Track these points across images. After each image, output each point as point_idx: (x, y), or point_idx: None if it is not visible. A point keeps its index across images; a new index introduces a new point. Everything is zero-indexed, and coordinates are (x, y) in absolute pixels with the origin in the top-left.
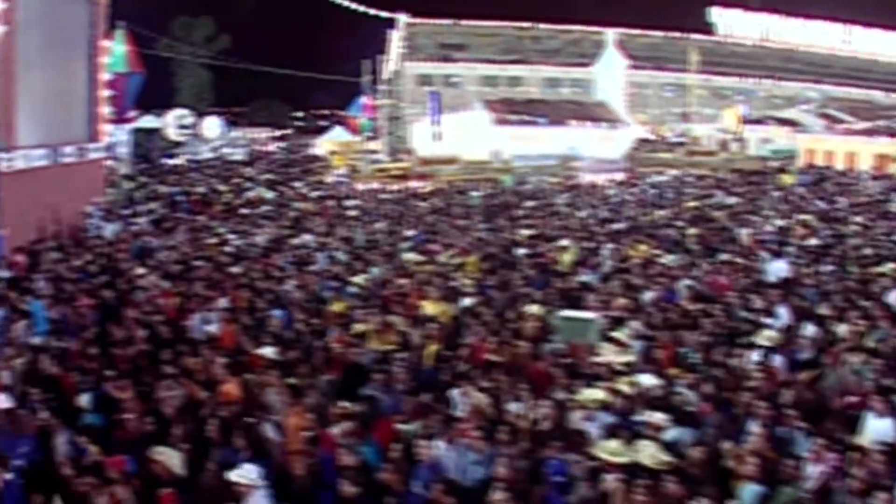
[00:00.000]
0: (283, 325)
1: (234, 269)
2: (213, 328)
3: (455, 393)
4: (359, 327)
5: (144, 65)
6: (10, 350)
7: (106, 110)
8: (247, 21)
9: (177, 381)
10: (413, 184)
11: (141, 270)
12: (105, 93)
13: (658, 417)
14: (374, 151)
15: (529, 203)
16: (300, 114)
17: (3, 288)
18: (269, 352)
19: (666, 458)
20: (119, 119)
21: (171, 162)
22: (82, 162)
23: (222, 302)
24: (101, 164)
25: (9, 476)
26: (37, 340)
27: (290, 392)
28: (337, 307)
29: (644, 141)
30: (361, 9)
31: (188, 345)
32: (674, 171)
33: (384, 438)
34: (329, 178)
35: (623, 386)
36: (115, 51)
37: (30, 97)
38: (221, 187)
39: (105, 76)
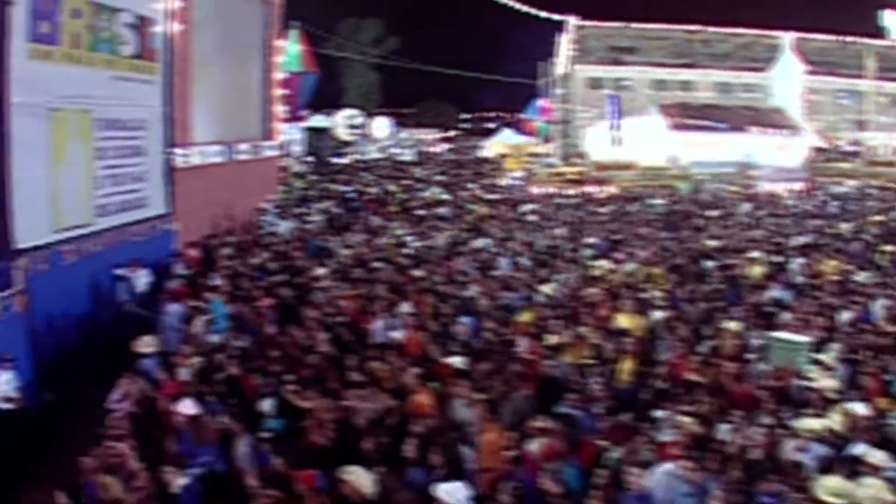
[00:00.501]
0: (471, 333)
1: (416, 273)
2: (397, 334)
3: (659, 414)
4: (551, 339)
5: (318, 65)
6: (187, 347)
7: (280, 109)
8: (413, 23)
9: (369, 390)
10: (589, 189)
11: (320, 270)
12: (279, 92)
13: (879, 455)
14: (545, 155)
15: (711, 212)
16: (467, 115)
17: (180, 284)
18: (457, 362)
19: (892, 498)
20: (292, 118)
21: (339, 161)
22: (256, 159)
23: (405, 307)
24: (274, 162)
25: (187, 481)
26: (215, 338)
27: (484, 406)
28: (526, 316)
29: (818, 149)
30: (531, 11)
31: (374, 350)
32: (852, 182)
33: (586, 460)
34: (502, 181)
35: (836, 415)
36: (290, 50)
37: (205, 95)
38: (392, 187)
39: (279, 75)
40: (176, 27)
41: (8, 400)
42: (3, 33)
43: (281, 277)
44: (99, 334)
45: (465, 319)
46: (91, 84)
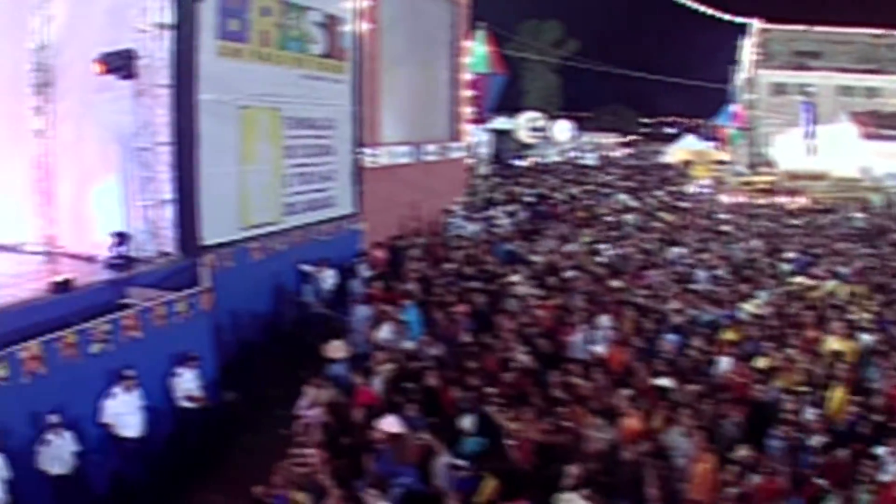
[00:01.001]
0: (676, 351)
1: (613, 283)
2: (598, 348)
3: (880, 451)
4: (760, 361)
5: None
6: (381, 354)
7: (467, 110)
8: (593, 25)
9: (596, 417)
10: (780, 199)
11: (515, 277)
12: (467, 93)
13: None
14: (730, 162)
15: None
16: (647, 120)
17: (367, 286)
18: (665, 382)
19: None
20: (479, 119)
21: (520, 164)
22: (444, 161)
23: (604, 320)
24: (462, 164)
25: None
26: (409, 345)
27: (699, 432)
28: (730, 335)
29: None
30: (713, 14)
31: (575, 366)
32: None
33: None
34: (689, 188)
35: None
36: (477, 51)
37: (394, 95)
38: (575, 191)
39: (467, 76)
40: (364, 26)
41: (191, 399)
42: (192, 30)
43: (474, 283)
44: (283, 334)
45: (670, 336)
46: (280, 82)
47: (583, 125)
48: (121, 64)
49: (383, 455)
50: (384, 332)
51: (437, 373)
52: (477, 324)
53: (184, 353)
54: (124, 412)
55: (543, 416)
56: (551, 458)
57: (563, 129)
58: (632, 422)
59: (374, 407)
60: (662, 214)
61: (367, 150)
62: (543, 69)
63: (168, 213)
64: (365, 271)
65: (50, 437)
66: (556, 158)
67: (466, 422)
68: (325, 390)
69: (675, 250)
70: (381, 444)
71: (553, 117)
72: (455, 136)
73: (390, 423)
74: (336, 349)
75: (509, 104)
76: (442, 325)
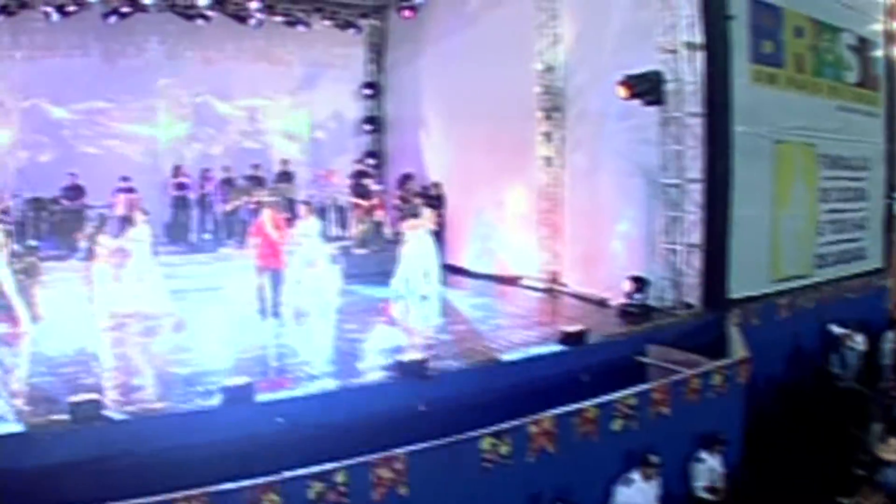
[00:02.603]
0: None
1: None
2: None
3: None
4: None
5: None
6: None
7: None
8: None
9: None
10: None
11: None
12: None
13: None
14: None
15: None
16: None
17: None
18: None
19: None
20: None
21: None
22: None
23: None
24: None
25: None
26: None
27: None
28: None
29: None
30: None
31: None
32: None
33: None
34: None
35: None
36: None
37: None
38: None
39: None
40: None
41: (711, 490)
42: (725, 51)
43: None
44: (804, 409)
45: None
46: (815, 114)
47: None
48: (647, 88)
49: None
50: None
51: None
52: None
53: (711, 433)
54: (640, 503)
55: None
56: None
57: None
58: None
59: None
60: None
61: None
62: None
63: (694, 260)
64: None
65: None
66: None
67: None
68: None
69: None
70: None
71: None
72: None
73: None
74: (892, 450)
75: None
76: None
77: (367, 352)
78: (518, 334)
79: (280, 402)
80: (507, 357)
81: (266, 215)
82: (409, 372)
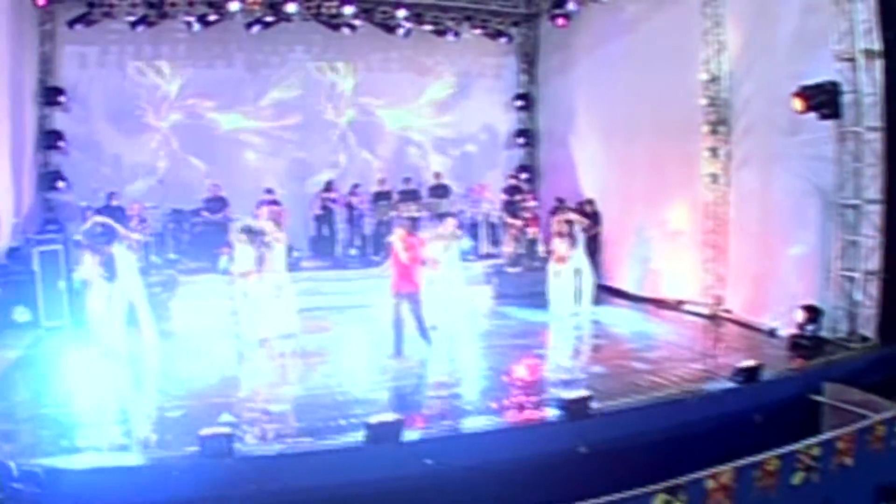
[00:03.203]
0: None
1: None
2: None
3: None
4: None
5: None
6: None
7: None
8: None
9: None
10: None
11: None
12: None
13: None
14: None
15: None
16: None
17: None
18: None
19: None
20: None
21: None
22: None
23: None
24: None
25: None
26: None
27: None
28: None
29: None
30: None
31: None
32: None
33: None
34: None
35: None
36: None
37: None
38: None
39: None
40: None
41: None
42: None
43: None
44: None
45: None
46: None
47: None
48: (824, 100)
49: None
50: None
51: None
52: None
53: (892, 486)
54: None
55: None
56: None
57: None
58: None
59: None
60: None
61: None
62: None
63: (872, 288)
64: None
65: None
66: None
67: None
68: None
69: None
70: None
71: None
72: None
73: None
74: None
75: None
76: None
77: (522, 385)
78: (684, 368)
79: (428, 442)
80: (674, 393)
81: (396, 235)
82: (571, 410)
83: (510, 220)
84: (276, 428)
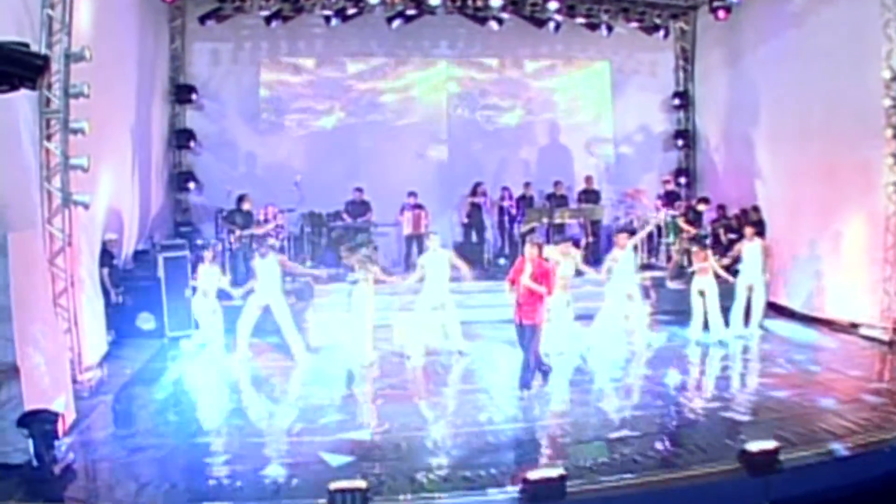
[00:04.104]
0: None
1: None
2: None
3: None
4: None
5: None
6: None
7: None
8: None
9: None
10: None
11: None
12: None
13: None
14: None
15: None
16: None
17: None
18: None
19: None
20: None
21: None
22: None
23: None
24: None
25: None
26: None
27: None
28: None
29: None
30: None
31: None
32: None
33: None
34: None
35: None
36: None
37: None
38: None
39: None
40: None
41: None
42: None
43: None
44: None
45: None
46: None
47: None
48: None
49: None
50: None
51: None
52: None
53: None
54: None
55: None
56: None
57: None
58: None
59: None
60: None
61: None
62: None
63: None
64: None
65: None
66: None
67: None
68: None
69: None
70: None
71: None
72: None
73: None
74: None
75: None
76: None
77: (688, 429)
78: (877, 411)
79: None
80: (871, 443)
81: (527, 253)
82: (755, 465)
83: (685, 227)
84: (414, 477)
